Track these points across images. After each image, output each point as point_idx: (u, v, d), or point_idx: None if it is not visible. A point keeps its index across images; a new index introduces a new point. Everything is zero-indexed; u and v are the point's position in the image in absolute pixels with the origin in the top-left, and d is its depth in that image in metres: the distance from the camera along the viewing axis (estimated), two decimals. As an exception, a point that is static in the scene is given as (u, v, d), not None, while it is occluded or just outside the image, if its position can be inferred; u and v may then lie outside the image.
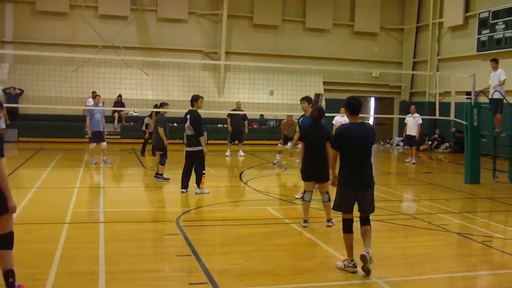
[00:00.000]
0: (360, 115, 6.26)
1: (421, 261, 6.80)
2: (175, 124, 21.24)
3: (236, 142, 18.92)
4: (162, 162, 12.70)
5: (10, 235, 4.93)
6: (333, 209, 6.32)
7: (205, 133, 23.06)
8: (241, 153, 18.77)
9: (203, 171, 10.96)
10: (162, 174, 12.69)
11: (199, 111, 11.06)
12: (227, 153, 18.65)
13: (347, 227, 6.14)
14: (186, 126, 10.94)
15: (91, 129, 15.31)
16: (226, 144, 19.11)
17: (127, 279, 5.72)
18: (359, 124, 6.16)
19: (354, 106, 6.16)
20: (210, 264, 6.24)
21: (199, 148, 10.84)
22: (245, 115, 18.85)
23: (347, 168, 6.06)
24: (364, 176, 6.09)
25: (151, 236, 7.74)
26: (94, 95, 16.87)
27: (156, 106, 19.38)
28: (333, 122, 17.71)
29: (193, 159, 10.95)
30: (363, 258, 5.93)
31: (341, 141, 6.06)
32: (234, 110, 18.59)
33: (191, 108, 11.02)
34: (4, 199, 4.81)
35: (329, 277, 6.02)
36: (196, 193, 10.89)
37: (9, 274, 4.87)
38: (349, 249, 6.13)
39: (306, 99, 10.40)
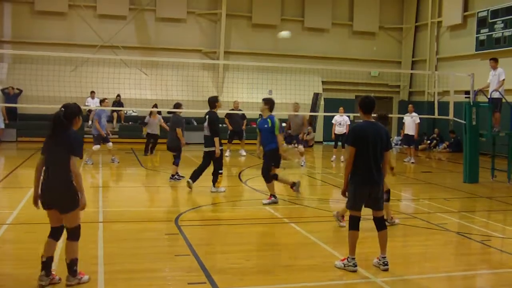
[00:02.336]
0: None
1: (420, 260, 6.81)
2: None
3: (238, 141, 18.74)
4: (175, 163, 12.72)
5: (78, 228, 5.50)
6: (348, 208, 6.29)
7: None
8: (243, 152, 18.64)
9: (220, 171, 11.11)
10: (176, 174, 12.71)
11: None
12: (227, 153, 18.53)
13: (356, 224, 6.17)
14: (204, 126, 11.10)
15: (95, 132, 15.36)
16: (225, 143, 19.07)
17: (126, 279, 5.72)
18: (372, 123, 6.24)
19: (368, 105, 6.25)
20: (209, 263, 6.24)
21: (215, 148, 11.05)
22: (243, 114, 18.73)
23: (363, 165, 6.09)
24: (378, 173, 6.18)
25: (150, 236, 7.74)
26: (103, 99, 16.55)
27: (154, 106, 19.46)
28: (333, 121, 17.88)
29: (211, 159, 11.10)
30: (383, 263, 6.20)
31: (358, 139, 6.10)
32: (232, 110, 18.49)
33: (210, 109, 11.16)
34: (77, 195, 5.38)
35: (329, 276, 6.02)
36: (212, 192, 11.02)
37: (73, 263, 5.44)
38: (353, 247, 6.13)
39: (264, 100, 10.37)
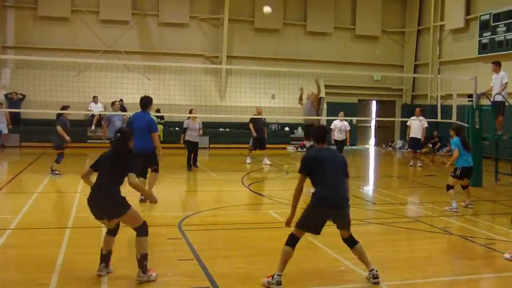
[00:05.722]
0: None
1: (424, 264, 6.78)
2: (176, 129, 21.25)
3: (257, 149, 17.75)
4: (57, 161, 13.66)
5: (145, 225, 5.91)
6: (298, 226, 5.85)
7: (207, 137, 23.24)
8: (267, 161, 17.56)
9: None
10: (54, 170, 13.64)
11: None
12: (249, 160, 17.66)
13: (294, 242, 5.82)
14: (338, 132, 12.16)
15: (109, 136, 14.84)
16: (237, 148, 18.91)
17: (129, 284, 5.71)
18: (326, 149, 6.10)
19: (321, 135, 6.10)
20: (212, 268, 6.23)
21: None
22: (265, 119, 17.96)
23: (323, 189, 5.79)
24: (339, 196, 5.82)
25: (153, 240, 7.69)
26: (113, 102, 16.66)
27: (157, 111, 19.46)
28: (331, 126, 17.02)
29: None
30: (374, 277, 5.80)
31: (313, 165, 5.85)
32: (255, 115, 17.67)
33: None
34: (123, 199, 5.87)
35: (333, 281, 6.01)
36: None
37: (143, 258, 5.75)
38: (283, 264, 5.75)
39: None
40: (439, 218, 9.53)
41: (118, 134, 6.11)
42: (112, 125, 15.10)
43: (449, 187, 10.19)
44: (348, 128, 17.02)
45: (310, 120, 15.40)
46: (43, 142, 21.02)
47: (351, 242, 5.94)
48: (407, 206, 11.24)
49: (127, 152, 6.00)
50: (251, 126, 17.64)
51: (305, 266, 6.60)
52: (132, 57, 23.51)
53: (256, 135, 17.54)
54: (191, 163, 15.53)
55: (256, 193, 12.04)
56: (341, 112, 17.32)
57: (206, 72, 24.55)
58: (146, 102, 10.32)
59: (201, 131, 15.98)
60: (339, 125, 16.90)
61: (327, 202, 5.73)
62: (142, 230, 5.85)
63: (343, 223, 5.89)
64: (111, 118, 15.40)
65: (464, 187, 10.46)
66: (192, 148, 15.58)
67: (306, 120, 15.31)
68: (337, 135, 16.79)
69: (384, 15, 26.88)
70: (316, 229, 5.87)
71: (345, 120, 17.16)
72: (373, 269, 5.84)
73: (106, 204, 5.83)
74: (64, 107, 13.90)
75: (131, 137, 6.11)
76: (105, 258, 5.98)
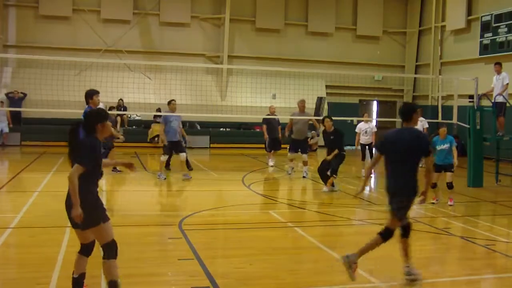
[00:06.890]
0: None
1: (424, 265, 6.78)
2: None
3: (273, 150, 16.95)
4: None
5: (114, 244, 4.98)
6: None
7: (208, 137, 23.27)
8: (271, 162, 16.86)
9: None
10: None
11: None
12: (270, 163, 17.02)
13: (386, 234, 5.78)
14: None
15: (169, 139, 13.45)
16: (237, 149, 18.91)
17: (129, 283, 5.70)
18: (402, 129, 6.16)
19: (402, 113, 6.16)
20: (212, 268, 6.23)
21: None
22: (278, 119, 17.07)
23: (388, 173, 6.01)
24: (396, 182, 5.97)
25: (153, 240, 7.73)
26: (170, 100, 14.00)
27: (158, 110, 19.45)
28: (356, 130, 15.54)
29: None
30: (407, 273, 5.82)
31: (383, 144, 6.14)
32: (269, 115, 17.02)
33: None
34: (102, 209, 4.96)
35: (333, 281, 6.00)
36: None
37: (113, 286, 4.90)
38: (366, 249, 5.74)
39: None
40: (439, 219, 9.53)
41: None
42: (169, 127, 13.34)
43: (435, 185, 10.64)
44: (375, 129, 15.56)
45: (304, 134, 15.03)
46: (43, 141, 21.19)
47: (402, 230, 5.86)
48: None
49: (74, 139, 4.99)
50: (264, 127, 16.82)
51: (305, 266, 6.60)
52: (133, 56, 23.52)
53: (270, 136, 16.70)
54: (169, 163, 14.62)
55: (256, 193, 12.03)
56: (366, 114, 16.29)
57: (207, 72, 24.55)
58: (85, 95, 10.02)
59: (183, 131, 14.66)
60: (365, 128, 15.50)
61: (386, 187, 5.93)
62: (109, 249, 4.88)
63: (391, 211, 5.83)
64: (168, 118, 13.44)
65: (435, 185, 10.72)
66: (173, 149, 13.87)
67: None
68: (363, 138, 15.40)
69: (385, 16, 26.87)
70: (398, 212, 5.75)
71: (370, 121, 15.82)
72: (408, 266, 5.80)
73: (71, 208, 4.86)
74: (110, 108, 13.68)
75: (94, 122, 5.05)
76: (77, 282, 5.04)
